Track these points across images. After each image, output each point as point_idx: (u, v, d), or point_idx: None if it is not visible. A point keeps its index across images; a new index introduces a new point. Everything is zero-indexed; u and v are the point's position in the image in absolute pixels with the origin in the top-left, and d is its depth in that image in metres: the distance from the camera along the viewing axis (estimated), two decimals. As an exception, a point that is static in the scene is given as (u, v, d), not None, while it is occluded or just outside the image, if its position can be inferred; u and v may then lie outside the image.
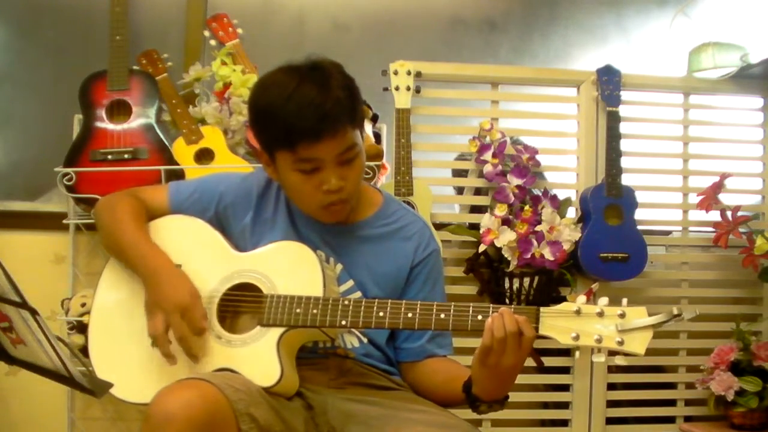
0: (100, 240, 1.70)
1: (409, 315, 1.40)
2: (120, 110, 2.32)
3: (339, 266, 1.59)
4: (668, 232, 2.68)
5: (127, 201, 1.62)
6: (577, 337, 1.29)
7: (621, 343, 1.27)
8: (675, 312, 1.25)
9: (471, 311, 1.37)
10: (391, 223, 1.64)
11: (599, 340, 1.28)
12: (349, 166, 1.48)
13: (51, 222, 2.40)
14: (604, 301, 1.31)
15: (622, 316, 1.28)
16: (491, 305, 1.35)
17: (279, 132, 1.44)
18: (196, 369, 1.43)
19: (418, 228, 1.65)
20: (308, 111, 1.40)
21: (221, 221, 1.62)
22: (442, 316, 1.38)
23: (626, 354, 1.27)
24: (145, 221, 1.60)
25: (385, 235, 1.62)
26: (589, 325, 1.29)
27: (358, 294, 1.58)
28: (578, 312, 1.30)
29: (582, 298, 1.31)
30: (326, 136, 1.42)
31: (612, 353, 1.29)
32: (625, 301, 1.30)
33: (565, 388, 2.52)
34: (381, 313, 1.41)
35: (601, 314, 1.29)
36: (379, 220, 1.63)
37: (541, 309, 1.32)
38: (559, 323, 1.30)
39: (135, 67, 2.38)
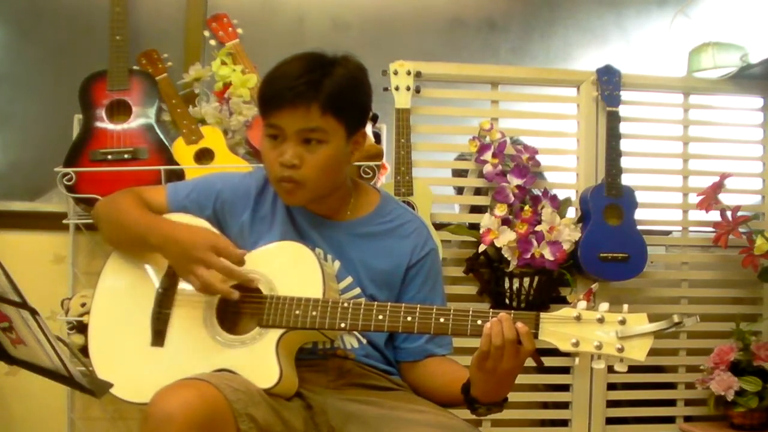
0: (102, 235, 1.70)
1: (409, 318, 1.40)
2: (120, 110, 2.32)
3: (337, 263, 1.59)
4: (668, 232, 2.68)
5: (129, 196, 1.63)
6: (576, 344, 1.29)
7: (621, 349, 1.27)
8: (676, 320, 1.25)
9: (470, 316, 1.37)
10: (389, 222, 1.64)
11: (599, 347, 1.28)
12: (310, 149, 1.49)
13: (51, 222, 2.40)
14: (604, 306, 1.30)
15: (623, 322, 1.28)
16: (491, 310, 1.35)
17: (258, 95, 1.53)
18: (194, 369, 1.43)
19: (415, 227, 1.65)
20: (280, 81, 1.47)
21: (219, 220, 1.62)
22: (442, 320, 1.38)
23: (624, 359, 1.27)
24: (149, 210, 1.61)
25: (383, 232, 1.63)
26: (589, 331, 1.29)
27: (356, 290, 1.58)
28: (578, 318, 1.30)
29: (582, 304, 1.31)
30: (286, 107, 1.46)
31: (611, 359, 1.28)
32: (625, 307, 1.30)
33: (565, 388, 2.52)
34: (380, 317, 1.41)
35: (601, 320, 1.29)
36: (376, 219, 1.64)
37: (541, 315, 1.32)
38: (559, 329, 1.30)
39: (135, 67, 2.38)
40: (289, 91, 1.45)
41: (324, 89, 1.45)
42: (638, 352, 1.27)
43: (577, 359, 1.32)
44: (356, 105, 1.53)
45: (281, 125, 1.48)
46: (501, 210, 2.35)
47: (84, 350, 1.59)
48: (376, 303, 1.43)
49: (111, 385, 1.43)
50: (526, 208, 2.36)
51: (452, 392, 1.44)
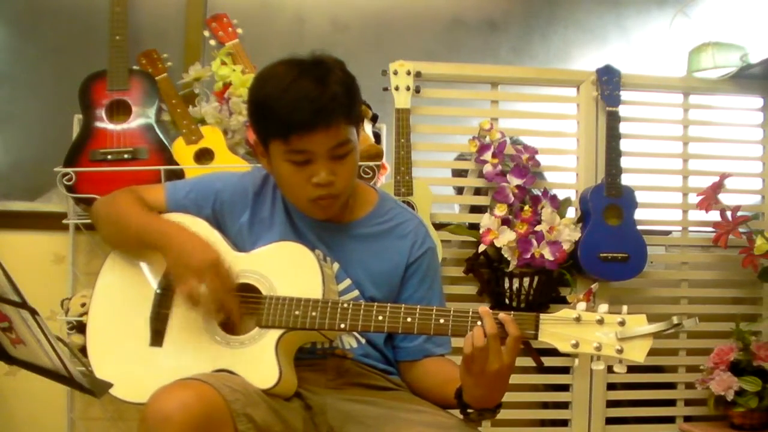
0: (100, 234, 1.70)
1: (408, 319, 1.39)
2: (120, 110, 2.32)
3: (336, 265, 1.59)
4: (668, 232, 2.68)
5: (128, 195, 1.63)
6: (576, 345, 1.29)
7: (620, 351, 1.27)
8: (675, 321, 1.25)
9: (470, 316, 1.36)
10: (387, 222, 1.64)
11: (599, 348, 1.28)
12: (341, 162, 1.48)
13: (51, 222, 2.41)
14: (604, 308, 1.30)
15: (622, 323, 1.28)
16: (491, 311, 1.34)
17: (274, 123, 1.45)
18: (193, 369, 1.42)
19: (413, 226, 1.65)
20: (304, 103, 1.42)
21: (218, 219, 1.62)
22: (441, 321, 1.38)
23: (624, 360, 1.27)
24: (148, 209, 1.60)
25: (381, 233, 1.62)
26: (589, 332, 1.29)
27: (355, 293, 1.58)
28: (578, 319, 1.30)
29: (582, 305, 1.31)
30: (320, 129, 1.42)
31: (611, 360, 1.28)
32: (625, 308, 1.30)
33: (564, 388, 2.52)
34: (380, 317, 1.41)
35: (600, 321, 1.29)
36: (374, 219, 1.63)
37: (541, 316, 1.32)
38: (559, 330, 1.30)
39: (135, 67, 2.38)
40: (316, 115, 1.41)
41: (342, 101, 1.44)
42: (638, 354, 1.27)
43: (576, 360, 1.32)
44: (359, 102, 1.53)
45: (312, 149, 1.45)
46: (501, 210, 2.35)
47: (84, 350, 1.59)
48: (375, 304, 1.43)
49: (111, 385, 1.43)
50: (526, 208, 2.36)
51: (448, 394, 1.43)
